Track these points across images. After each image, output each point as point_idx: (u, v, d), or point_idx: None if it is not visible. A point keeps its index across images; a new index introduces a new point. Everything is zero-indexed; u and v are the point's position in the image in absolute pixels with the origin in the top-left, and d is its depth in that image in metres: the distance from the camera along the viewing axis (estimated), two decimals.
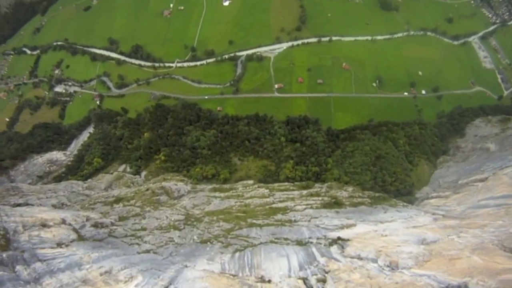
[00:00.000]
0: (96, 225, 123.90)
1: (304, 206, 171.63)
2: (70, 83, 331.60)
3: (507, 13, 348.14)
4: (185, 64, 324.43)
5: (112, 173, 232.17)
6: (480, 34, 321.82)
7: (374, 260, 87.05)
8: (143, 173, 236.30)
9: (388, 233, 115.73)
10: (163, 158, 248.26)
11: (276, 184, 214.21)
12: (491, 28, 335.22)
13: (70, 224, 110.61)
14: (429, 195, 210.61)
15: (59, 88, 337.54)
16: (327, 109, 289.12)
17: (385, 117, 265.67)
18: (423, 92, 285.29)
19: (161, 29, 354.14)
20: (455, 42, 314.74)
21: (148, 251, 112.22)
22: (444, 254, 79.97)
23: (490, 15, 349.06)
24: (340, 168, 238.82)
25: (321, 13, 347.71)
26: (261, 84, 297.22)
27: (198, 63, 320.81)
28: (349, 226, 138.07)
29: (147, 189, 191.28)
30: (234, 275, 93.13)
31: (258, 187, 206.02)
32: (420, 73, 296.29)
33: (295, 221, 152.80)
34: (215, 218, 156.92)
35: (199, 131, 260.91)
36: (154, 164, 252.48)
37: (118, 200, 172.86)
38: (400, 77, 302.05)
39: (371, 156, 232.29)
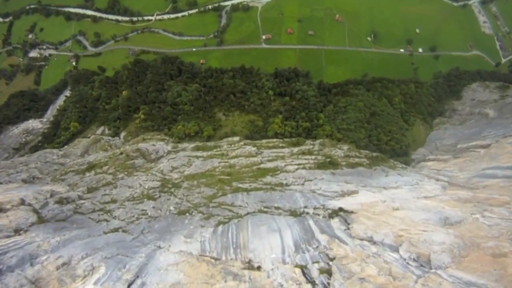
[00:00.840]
0: (60, 201, 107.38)
1: (296, 166, 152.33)
2: (44, 47, 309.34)
3: None
4: (165, 17, 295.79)
5: (89, 137, 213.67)
6: None
7: (394, 248, 69.39)
8: (122, 134, 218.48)
9: (398, 205, 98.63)
10: (142, 116, 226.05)
11: (264, 141, 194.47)
12: None
13: (29, 204, 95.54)
14: (425, 157, 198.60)
15: (33, 53, 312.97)
16: (318, 62, 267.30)
17: (379, 73, 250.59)
18: (420, 50, 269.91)
19: None
20: (455, 4, 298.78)
21: (116, 230, 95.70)
22: (482, 246, 63.71)
23: None
24: (332, 124, 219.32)
25: None
26: (247, 35, 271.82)
27: (179, 14, 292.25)
28: (350, 193, 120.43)
29: (121, 153, 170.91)
30: (216, 259, 77.07)
31: (245, 144, 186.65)
32: (418, 30, 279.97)
33: (286, 184, 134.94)
34: (195, 182, 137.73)
35: (180, 86, 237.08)
36: (133, 124, 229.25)
37: (90, 167, 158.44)
38: (397, 33, 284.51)
39: (365, 113, 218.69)
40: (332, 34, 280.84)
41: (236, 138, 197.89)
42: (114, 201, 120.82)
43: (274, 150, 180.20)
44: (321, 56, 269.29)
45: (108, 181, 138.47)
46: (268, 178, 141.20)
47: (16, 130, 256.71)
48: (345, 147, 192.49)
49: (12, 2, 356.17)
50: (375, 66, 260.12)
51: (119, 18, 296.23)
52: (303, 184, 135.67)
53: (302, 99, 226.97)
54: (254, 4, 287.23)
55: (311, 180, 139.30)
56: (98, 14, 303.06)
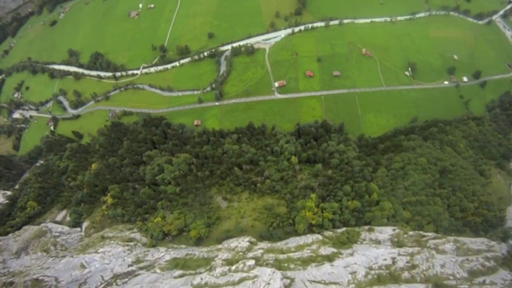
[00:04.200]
0: None
1: None
2: (27, 107, 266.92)
3: None
4: (152, 69, 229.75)
5: (40, 225, 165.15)
6: (501, 12, 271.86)
7: None
8: (84, 225, 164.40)
9: None
10: (110, 201, 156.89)
11: (292, 245, 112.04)
12: (509, 6, 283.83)
13: None
14: None
15: (17, 114, 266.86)
16: (352, 111, 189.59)
17: (429, 114, 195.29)
18: (465, 79, 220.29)
19: (126, 33, 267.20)
20: (480, 22, 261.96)
21: None
22: None
23: None
24: (393, 198, 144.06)
25: None
26: (254, 84, 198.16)
27: (169, 66, 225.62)
28: None
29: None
30: None
31: (258, 254, 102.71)
32: (455, 57, 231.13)
33: None
34: None
35: (165, 157, 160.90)
36: (99, 211, 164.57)
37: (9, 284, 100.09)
38: (435, 63, 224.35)
39: (432, 172, 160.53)
40: (363, 73, 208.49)
41: (245, 240, 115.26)
42: None
43: (316, 267, 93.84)
44: (354, 102, 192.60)
45: None
46: None
47: None
48: (430, 234, 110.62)
49: (7, 59, 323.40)
50: (422, 106, 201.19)
51: (102, 74, 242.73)
52: None
53: (341, 165, 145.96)
54: (260, 46, 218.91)
55: None
56: (80, 70, 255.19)
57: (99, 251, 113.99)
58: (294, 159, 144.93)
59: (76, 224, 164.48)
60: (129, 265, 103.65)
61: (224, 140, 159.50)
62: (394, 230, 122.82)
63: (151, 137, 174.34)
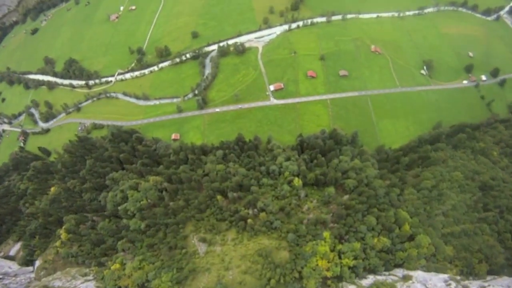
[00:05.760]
0: None
1: None
2: (0, 121, 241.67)
3: None
4: (128, 76, 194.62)
5: None
6: (507, 8, 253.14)
7: None
8: (37, 263, 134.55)
9: None
10: (64, 236, 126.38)
11: None
12: None
13: None
14: None
15: None
16: (365, 117, 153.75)
17: (452, 118, 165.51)
18: (483, 77, 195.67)
19: (104, 37, 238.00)
20: (488, 18, 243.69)
21: None
22: None
23: None
24: (429, 229, 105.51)
25: None
26: (245, 88, 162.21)
27: (147, 70, 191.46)
28: None
29: None
30: None
31: None
32: (471, 54, 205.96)
33: None
34: None
35: (133, 180, 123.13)
36: (54, 247, 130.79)
37: None
38: (450, 61, 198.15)
39: (472, 189, 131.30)
40: (374, 72, 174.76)
41: None
42: None
43: None
44: (367, 107, 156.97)
45: None
46: None
47: None
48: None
49: None
50: (444, 110, 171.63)
51: (74, 82, 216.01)
52: None
53: (359, 188, 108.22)
54: (252, 44, 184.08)
55: None
56: (53, 79, 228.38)
57: None
58: (297, 181, 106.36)
59: (27, 262, 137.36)
60: None
61: (207, 158, 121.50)
62: (444, 281, 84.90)
63: (118, 155, 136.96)
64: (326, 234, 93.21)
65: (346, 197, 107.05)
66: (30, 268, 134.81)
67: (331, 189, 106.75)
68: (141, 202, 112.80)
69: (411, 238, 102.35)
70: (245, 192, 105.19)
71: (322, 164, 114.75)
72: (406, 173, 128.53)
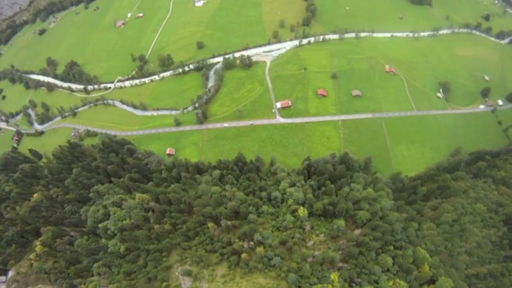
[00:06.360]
0: None
1: None
2: None
3: None
4: (127, 83, 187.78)
5: None
6: None
7: None
8: (9, 274, 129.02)
9: None
10: (39, 249, 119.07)
11: None
12: None
13: None
14: None
15: None
16: (379, 141, 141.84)
17: (470, 145, 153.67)
18: (500, 102, 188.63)
19: (109, 42, 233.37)
20: (502, 41, 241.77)
21: None
22: None
23: None
24: (451, 270, 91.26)
25: (334, 5, 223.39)
26: (250, 103, 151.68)
27: (147, 79, 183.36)
28: None
29: None
30: None
31: None
32: (486, 78, 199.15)
33: None
34: None
35: (118, 195, 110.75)
36: (27, 259, 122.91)
37: None
38: (467, 84, 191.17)
39: (496, 224, 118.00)
40: (389, 93, 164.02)
41: None
42: None
43: None
44: (381, 131, 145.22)
45: None
46: None
47: None
48: None
49: None
50: (461, 135, 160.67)
51: (73, 86, 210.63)
52: None
53: (373, 221, 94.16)
54: (259, 58, 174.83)
55: None
56: (53, 81, 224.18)
57: None
58: (302, 211, 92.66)
59: (1, 271, 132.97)
60: None
61: (201, 177, 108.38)
62: None
63: (106, 166, 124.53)
64: (334, 276, 78.83)
65: (357, 231, 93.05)
66: (3, 278, 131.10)
67: (341, 222, 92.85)
68: (124, 222, 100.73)
69: (432, 281, 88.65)
70: (241, 220, 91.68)
71: (331, 192, 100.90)
72: (424, 204, 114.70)
